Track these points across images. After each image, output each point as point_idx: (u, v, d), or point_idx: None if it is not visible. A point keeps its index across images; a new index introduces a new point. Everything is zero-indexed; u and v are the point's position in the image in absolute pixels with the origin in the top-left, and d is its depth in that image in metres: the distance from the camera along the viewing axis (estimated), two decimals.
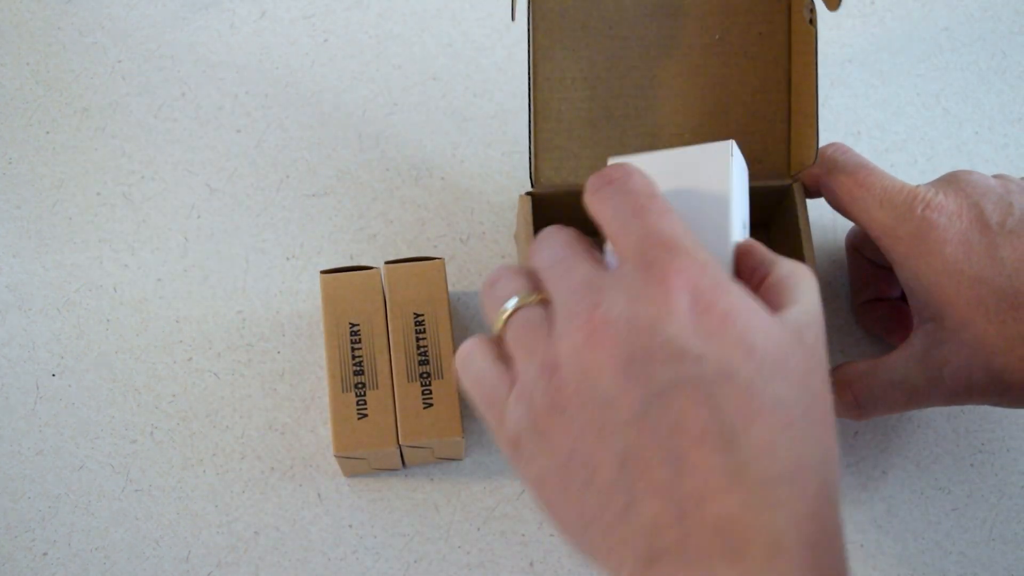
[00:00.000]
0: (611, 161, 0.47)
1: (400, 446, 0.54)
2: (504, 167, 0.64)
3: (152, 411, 0.59)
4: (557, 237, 0.43)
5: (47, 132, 0.64)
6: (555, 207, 0.58)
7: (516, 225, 0.61)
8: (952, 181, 0.53)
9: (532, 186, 0.57)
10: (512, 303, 0.42)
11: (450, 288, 0.61)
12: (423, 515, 0.57)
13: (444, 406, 0.54)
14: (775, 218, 0.61)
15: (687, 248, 0.39)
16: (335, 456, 0.54)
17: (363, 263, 0.60)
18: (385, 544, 0.57)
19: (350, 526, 0.57)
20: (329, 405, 0.54)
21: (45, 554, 0.56)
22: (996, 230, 0.50)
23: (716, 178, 0.46)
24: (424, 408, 0.54)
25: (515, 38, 0.66)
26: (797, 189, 0.57)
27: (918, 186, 0.53)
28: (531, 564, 0.57)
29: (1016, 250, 0.50)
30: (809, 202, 0.57)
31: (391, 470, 0.58)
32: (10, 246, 0.62)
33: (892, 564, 0.57)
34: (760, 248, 0.44)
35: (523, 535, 0.57)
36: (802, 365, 0.38)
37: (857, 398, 0.54)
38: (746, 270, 0.43)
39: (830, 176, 0.55)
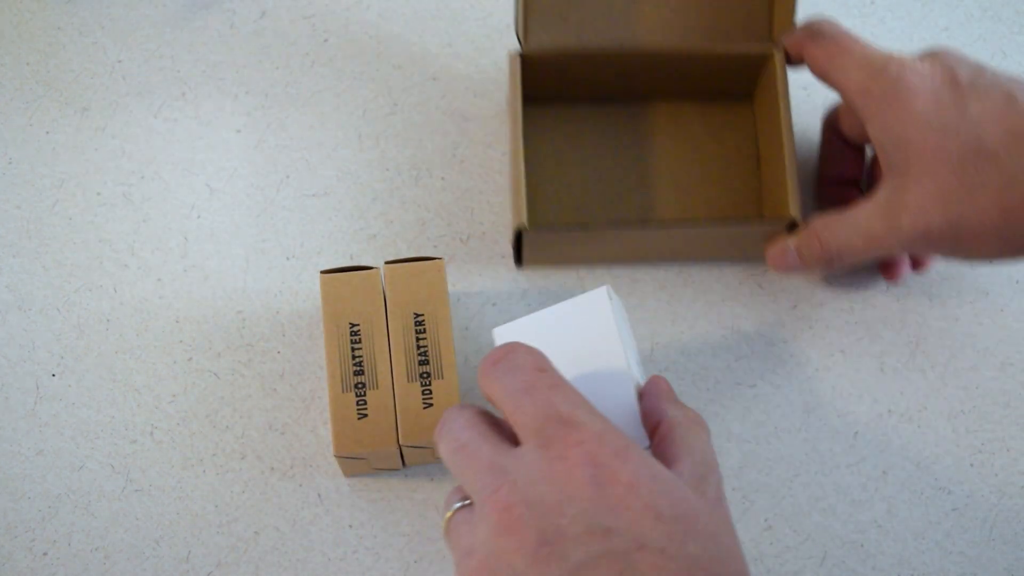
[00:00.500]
0: (496, 332, 0.49)
1: (400, 446, 0.54)
2: (504, 167, 0.64)
3: (152, 411, 0.59)
4: (458, 420, 0.43)
5: (47, 132, 0.64)
6: (543, 68, 0.57)
7: (508, 89, 0.61)
8: (931, 51, 0.55)
9: (520, 46, 0.57)
10: (450, 510, 0.42)
11: (450, 288, 0.61)
12: (423, 515, 0.57)
13: (444, 406, 0.54)
14: (755, 90, 0.62)
15: (582, 420, 0.40)
16: (335, 456, 0.54)
17: (363, 263, 0.60)
18: (385, 544, 0.57)
19: (350, 526, 0.57)
20: (329, 405, 0.54)
21: (45, 554, 0.56)
22: (966, 88, 0.52)
23: (601, 325, 0.48)
24: (424, 408, 0.54)
25: (515, 38, 0.66)
26: (778, 59, 0.59)
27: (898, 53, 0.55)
28: None
29: (983, 105, 0.51)
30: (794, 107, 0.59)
31: (391, 470, 0.58)
32: (10, 246, 0.62)
33: (892, 564, 0.57)
34: (652, 395, 0.45)
35: None
36: (711, 525, 0.39)
37: (823, 245, 0.56)
38: (642, 415, 0.45)
39: (813, 41, 0.57)
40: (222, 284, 0.61)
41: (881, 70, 0.54)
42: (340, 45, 0.66)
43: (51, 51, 0.66)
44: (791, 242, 0.58)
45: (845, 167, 0.61)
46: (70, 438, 0.58)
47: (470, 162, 0.64)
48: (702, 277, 0.62)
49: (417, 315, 0.55)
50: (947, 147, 0.51)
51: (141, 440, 0.58)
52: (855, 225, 0.55)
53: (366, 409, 0.54)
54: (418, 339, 0.55)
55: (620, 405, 0.46)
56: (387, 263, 0.56)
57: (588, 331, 0.48)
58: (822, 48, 0.56)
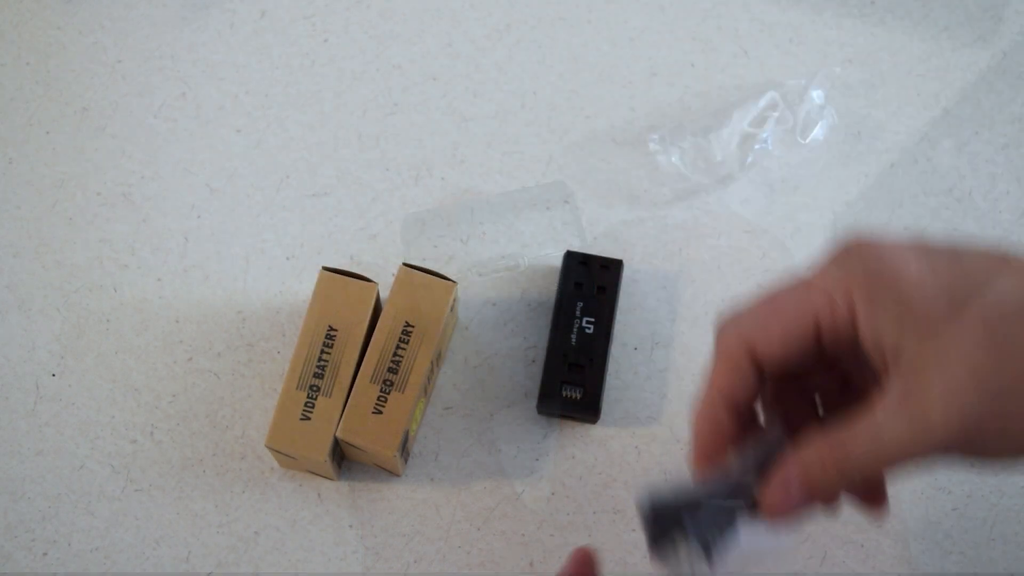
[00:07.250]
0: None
1: (337, 439, 0.54)
2: (504, 167, 0.64)
3: (152, 411, 0.59)
4: None
5: (47, 132, 0.64)
6: None
7: None
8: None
9: None
10: None
11: None
12: (423, 515, 0.57)
13: (392, 419, 0.54)
14: None
15: None
16: (266, 447, 0.54)
17: (363, 263, 0.60)
18: (385, 544, 0.57)
19: (350, 526, 0.57)
20: (279, 397, 0.54)
21: (45, 554, 0.57)
22: (945, 246, 0.42)
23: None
24: (372, 412, 0.54)
25: (515, 38, 0.66)
26: None
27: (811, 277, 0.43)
28: (531, 564, 0.57)
29: (977, 258, 0.42)
30: None
31: (390, 472, 0.58)
32: (10, 246, 0.62)
33: (892, 564, 0.57)
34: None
35: (523, 535, 0.57)
36: None
37: (840, 468, 0.42)
38: None
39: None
40: (222, 284, 0.61)
41: (840, 267, 0.42)
42: (340, 45, 0.66)
43: (51, 51, 0.66)
44: (792, 472, 0.43)
45: (748, 392, 0.45)
46: (70, 438, 0.58)
47: (470, 162, 0.64)
48: (703, 277, 0.62)
49: (408, 325, 0.55)
50: (962, 313, 0.40)
51: (141, 440, 0.58)
52: (874, 436, 0.41)
53: (311, 413, 0.54)
54: (398, 347, 0.55)
55: None
56: (405, 264, 0.56)
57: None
58: (734, 337, 0.44)
